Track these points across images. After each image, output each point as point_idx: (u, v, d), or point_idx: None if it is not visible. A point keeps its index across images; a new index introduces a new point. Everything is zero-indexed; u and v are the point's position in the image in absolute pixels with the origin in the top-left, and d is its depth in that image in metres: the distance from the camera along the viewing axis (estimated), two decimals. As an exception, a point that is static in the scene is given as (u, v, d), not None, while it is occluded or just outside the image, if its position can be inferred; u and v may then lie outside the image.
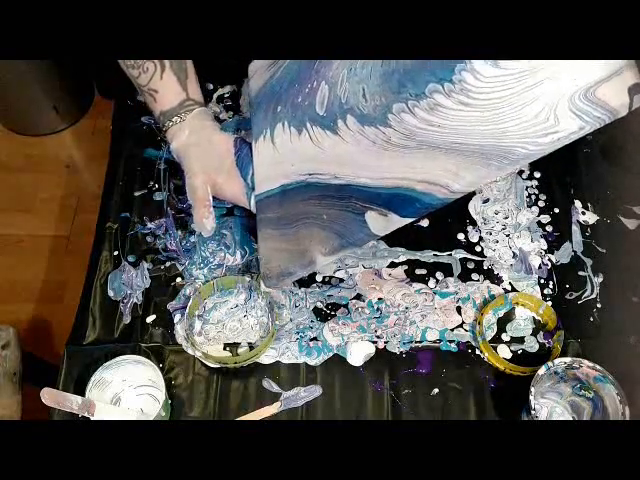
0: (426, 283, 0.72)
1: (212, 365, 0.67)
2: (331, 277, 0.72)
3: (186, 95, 0.67)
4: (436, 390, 0.65)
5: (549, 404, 0.64)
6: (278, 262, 0.64)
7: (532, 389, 0.58)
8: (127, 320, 0.69)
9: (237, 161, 0.67)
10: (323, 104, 0.60)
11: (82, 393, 0.59)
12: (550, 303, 0.70)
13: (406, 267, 0.73)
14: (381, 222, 0.56)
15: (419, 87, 0.51)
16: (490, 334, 0.69)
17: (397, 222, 0.56)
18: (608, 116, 0.43)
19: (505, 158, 0.48)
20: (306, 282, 0.72)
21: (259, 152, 0.66)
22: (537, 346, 0.68)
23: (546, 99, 0.45)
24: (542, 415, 0.63)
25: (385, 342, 0.68)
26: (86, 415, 0.58)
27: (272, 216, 0.65)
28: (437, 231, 0.75)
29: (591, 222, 0.76)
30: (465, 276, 0.72)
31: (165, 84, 0.66)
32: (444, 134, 0.51)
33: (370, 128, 0.56)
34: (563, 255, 0.73)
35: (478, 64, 0.48)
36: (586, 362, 0.59)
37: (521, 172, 0.80)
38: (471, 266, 0.73)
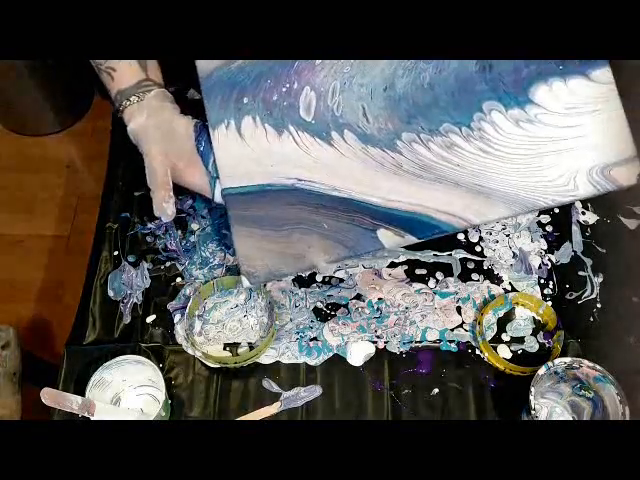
0: (426, 283, 0.71)
1: (212, 365, 0.67)
2: (331, 277, 0.72)
3: (145, 75, 0.65)
4: (436, 390, 0.65)
5: (549, 404, 0.64)
6: (265, 261, 0.62)
7: (532, 389, 0.58)
8: (127, 320, 0.70)
9: (198, 146, 0.64)
10: (310, 110, 0.60)
11: (82, 393, 0.59)
12: (550, 303, 0.70)
13: (406, 267, 0.73)
14: (397, 240, 0.59)
15: (432, 123, 0.56)
16: (490, 334, 0.68)
17: (412, 241, 0.59)
18: (614, 188, 0.55)
19: (526, 207, 0.56)
20: (306, 282, 0.72)
21: (221, 141, 0.63)
22: (537, 346, 0.68)
23: (567, 167, 0.54)
24: (542, 415, 0.63)
25: (385, 342, 0.68)
26: (86, 415, 0.58)
27: (250, 214, 0.63)
28: (437, 231, 0.75)
29: (591, 222, 0.76)
30: (465, 276, 0.72)
31: (123, 62, 0.64)
32: (464, 174, 0.56)
33: (375, 149, 0.58)
34: (563, 255, 0.73)
35: (498, 118, 0.55)
36: (586, 362, 0.59)
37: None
38: (471, 266, 0.73)
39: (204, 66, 0.63)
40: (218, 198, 0.64)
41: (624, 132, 0.54)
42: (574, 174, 0.55)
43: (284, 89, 0.60)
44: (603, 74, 0.55)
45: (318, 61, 0.59)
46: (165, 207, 0.63)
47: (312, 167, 0.60)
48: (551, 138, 0.55)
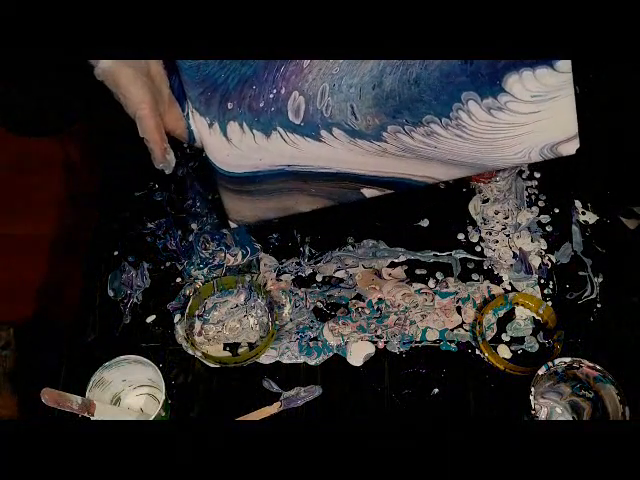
0: (426, 283, 0.72)
1: (212, 365, 0.67)
2: (331, 277, 0.72)
3: None
4: (436, 390, 0.65)
5: (549, 404, 0.64)
6: (254, 212, 0.66)
7: (532, 389, 0.58)
8: (127, 320, 0.70)
9: (172, 88, 0.59)
10: (299, 114, 0.60)
11: (82, 393, 0.59)
12: (550, 303, 0.70)
13: (406, 267, 0.73)
14: (377, 193, 0.67)
15: (416, 117, 0.61)
16: (490, 334, 0.69)
17: (389, 192, 0.67)
18: (556, 157, 0.64)
19: (486, 169, 0.65)
20: (306, 282, 0.72)
21: (203, 133, 0.61)
22: (537, 346, 0.68)
23: (525, 146, 0.63)
24: (542, 415, 0.63)
25: (385, 342, 0.68)
26: (86, 415, 0.58)
27: (239, 189, 0.64)
28: (437, 231, 0.76)
29: (591, 222, 0.76)
30: (465, 276, 0.72)
31: None
32: (440, 152, 0.63)
33: (363, 141, 0.62)
34: (563, 255, 0.73)
35: (474, 107, 0.60)
36: (586, 362, 0.59)
37: (521, 172, 0.80)
38: (471, 266, 0.73)
39: None
40: (200, 143, 0.62)
41: (572, 115, 0.61)
42: (530, 151, 0.63)
43: (271, 95, 0.59)
44: (565, 64, 0.59)
45: (306, 63, 0.58)
46: (169, 159, 0.60)
47: (300, 156, 0.62)
48: (515, 124, 0.61)
